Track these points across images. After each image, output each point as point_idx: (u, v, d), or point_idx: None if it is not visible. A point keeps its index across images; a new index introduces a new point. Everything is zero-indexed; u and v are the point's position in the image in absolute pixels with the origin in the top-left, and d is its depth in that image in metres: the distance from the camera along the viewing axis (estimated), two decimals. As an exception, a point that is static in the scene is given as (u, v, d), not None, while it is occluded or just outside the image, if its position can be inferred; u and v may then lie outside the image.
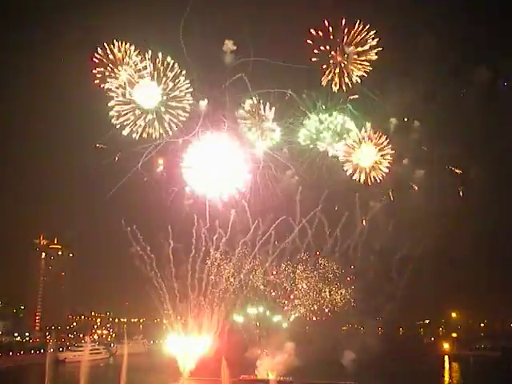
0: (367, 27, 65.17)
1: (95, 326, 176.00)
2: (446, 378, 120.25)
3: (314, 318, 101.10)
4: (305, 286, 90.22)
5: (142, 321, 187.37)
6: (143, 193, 71.45)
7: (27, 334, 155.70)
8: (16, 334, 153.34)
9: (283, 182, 73.26)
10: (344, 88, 67.08)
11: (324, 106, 70.00)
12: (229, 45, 65.66)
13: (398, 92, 68.50)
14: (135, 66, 64.23)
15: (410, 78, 68.71)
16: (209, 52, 65.77)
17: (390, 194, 75.15)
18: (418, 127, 73.33)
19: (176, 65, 64.26)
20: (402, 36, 72.53)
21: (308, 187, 75.29)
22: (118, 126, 64.16)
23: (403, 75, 69.21)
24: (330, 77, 66.50)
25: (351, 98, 68.85)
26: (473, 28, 77.16)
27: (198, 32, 63.68)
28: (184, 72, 64.57)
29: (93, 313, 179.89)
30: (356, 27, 65.59)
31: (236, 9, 71.22)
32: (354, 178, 70.13)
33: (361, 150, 70.02)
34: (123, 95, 64.52)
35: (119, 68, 63.93)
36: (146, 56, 63.79)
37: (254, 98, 68.09)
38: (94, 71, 63.43)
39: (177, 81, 65.10)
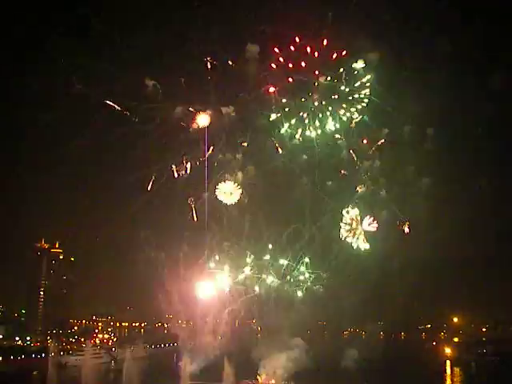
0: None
1: (96, 331, 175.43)
2: (448, 383, 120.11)
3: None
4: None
5: (143, 325, 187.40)
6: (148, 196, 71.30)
7: (28, 338, 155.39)
8: (17, 338, 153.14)
9: None
10: None
11: None
12: None
13: None
14: None
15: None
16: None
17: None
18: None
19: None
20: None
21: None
22: None
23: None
24: None
25: None
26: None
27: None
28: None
29: (94, 317, 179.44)
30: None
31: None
32: None
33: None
34: None
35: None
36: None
37: None
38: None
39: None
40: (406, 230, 75.36)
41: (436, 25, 74.33)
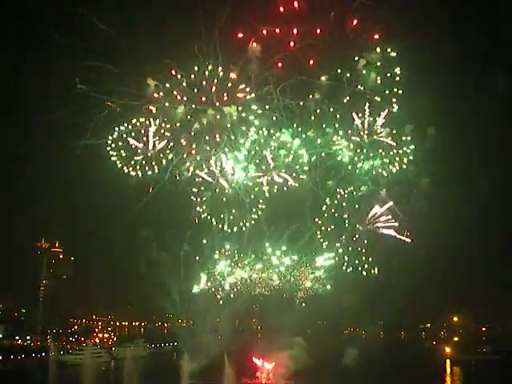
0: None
1: (96, 330, 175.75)
2: (448, 382, 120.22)
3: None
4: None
5: (143, 324, 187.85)
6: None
7: (28, 337, 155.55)
8: (17, 337, 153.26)
9: None
10: None
11: None
12: None
13: None
14: None
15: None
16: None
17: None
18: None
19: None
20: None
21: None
22: None
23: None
24: None
25: None
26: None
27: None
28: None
29: (94, 316, 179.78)
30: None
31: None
32: None
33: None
34: None
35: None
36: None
37: None
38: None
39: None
40: (406, 232, 72.87)
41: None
